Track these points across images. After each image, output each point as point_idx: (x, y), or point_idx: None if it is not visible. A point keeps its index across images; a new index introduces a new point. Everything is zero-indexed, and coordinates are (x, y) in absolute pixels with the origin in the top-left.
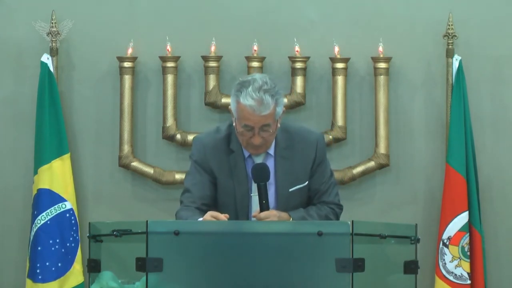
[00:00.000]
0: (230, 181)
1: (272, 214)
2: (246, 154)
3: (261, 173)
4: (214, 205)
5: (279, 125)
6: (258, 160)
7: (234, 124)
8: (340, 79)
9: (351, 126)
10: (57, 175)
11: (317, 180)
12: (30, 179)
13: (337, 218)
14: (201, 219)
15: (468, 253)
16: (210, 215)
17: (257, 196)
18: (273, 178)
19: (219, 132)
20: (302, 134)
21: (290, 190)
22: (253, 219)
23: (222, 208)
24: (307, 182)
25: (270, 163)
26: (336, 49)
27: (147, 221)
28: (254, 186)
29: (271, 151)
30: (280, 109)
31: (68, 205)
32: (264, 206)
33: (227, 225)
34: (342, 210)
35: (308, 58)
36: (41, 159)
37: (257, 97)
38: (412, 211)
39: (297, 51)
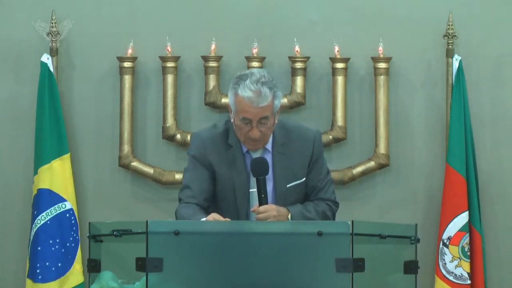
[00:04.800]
0: (229, 174)
1: (271, 208)
2: (244, 149)
3: (260, 167)
4: (214, 200)
5: (276, 120)
6: (256, 155)
7: (232, 119)
8: (340, 79)
9: (351, 126)
10: (57, 175)
11: (314, 177)
12: (30, 179)
13: (334, 214)
14: (204, 219)
15: (468, 253)
16: (212, 217)
17: (256, 192)
18: (271, 174)
19: (216, 128)
20: (299, 131)
21: (288, 186)
22: (252, 214)
23: (222, 202)
24: (304, 179)
25: (268, 159)
26: (336, 49)
27: (147, 221)
28: (253, 182)
29: (269, 146)
30: (278, 103)
31: (68, 205)
32: (263, 200)
33: (227, 225)
34: (338, 207)
35: (308, 58)
36: (41, 159)
37: (255, 88)
38: (412, 211)
39: (297, 51)
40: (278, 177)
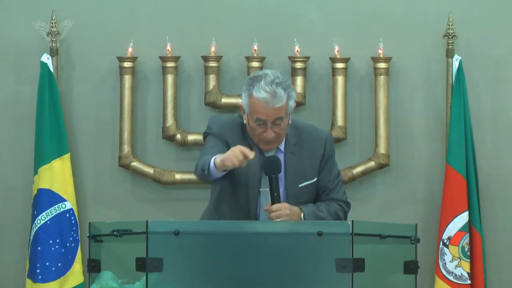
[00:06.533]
0: (244, 168)
1: (284, 206)
2: None
3: (272, 166)
4: (226, 195)
5: (290, 120)
6: (269, 155)
7: (245, 120)
8: (340, 79)
9: (351, 126)
10: (57, 175)
11: (325, 177)
12: (30, 179)
13: (345, 215)
14: (220, 155)
15: (468, 253)
16: (238, 149)
17: (267, 191)
18: (283, 173)
19: (235, 118)
20: (311, 131)
21: (299, 186)
22: (262, 213)
23: (234, 196)
24: (316, 179)
25: (280, 158)
26: (336, 49)
27: (147, 221)
28: (264, 181)
29: (281, 146)
30: (292, 103)
31: (68, 205)
32: (275, 199)
33: (227, 225)
34: (350, 208)
35: (308, 58)
36: (41, 159)
37: (270, 90)
38: (412, 211)
39: (297, 51)
40: (290, 177)
